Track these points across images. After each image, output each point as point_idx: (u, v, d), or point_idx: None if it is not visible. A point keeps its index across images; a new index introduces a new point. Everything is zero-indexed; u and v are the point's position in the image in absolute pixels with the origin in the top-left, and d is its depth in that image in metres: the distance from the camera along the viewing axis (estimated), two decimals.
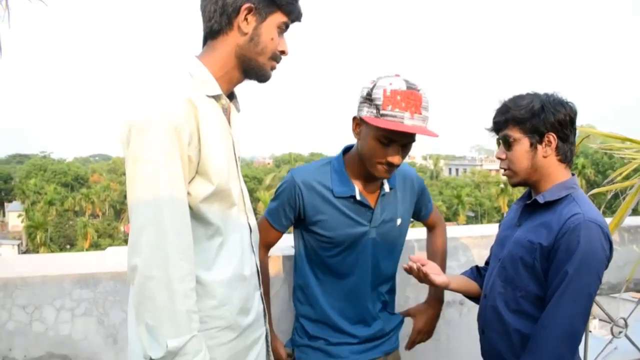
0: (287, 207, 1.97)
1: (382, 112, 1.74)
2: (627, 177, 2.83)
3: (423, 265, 1.88)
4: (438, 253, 2.28)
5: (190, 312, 1.37)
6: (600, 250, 1.66)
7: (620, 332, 3.22)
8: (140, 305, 1.35)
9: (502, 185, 54.46)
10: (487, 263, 2.13)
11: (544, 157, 1.77)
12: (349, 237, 1.95)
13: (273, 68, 1.60)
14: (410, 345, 2.21)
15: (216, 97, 1.53)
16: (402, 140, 1.81)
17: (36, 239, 46.31)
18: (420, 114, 1.77)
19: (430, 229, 2.35)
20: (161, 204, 1.34)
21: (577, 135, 1.83)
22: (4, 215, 66.08)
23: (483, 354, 1.98)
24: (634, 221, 3.25)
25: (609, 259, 1.69)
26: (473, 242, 2.75)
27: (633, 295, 3.44)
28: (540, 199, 1.78)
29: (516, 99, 1.79)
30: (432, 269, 1.91)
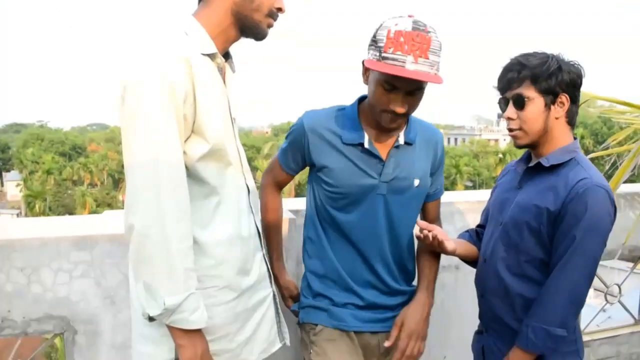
0: (295, 151, 1.90)
1: (383, 54, 1.61)
2: (623, 143, 2.83)
3: (430, 232, 1.81)
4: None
5: (188, 270, 1.37)
6: (607, 215, 1.66)
7: (614, 299, 3.26)
8: (137, 264, 1.36)
9: (500, 155, 54.42)
10: (479, 226, 2.12)
11: (556, 118, 1.73)
12: (355, 188, 1.81)
13: (270, 26, 1.57)
14: (400, 355, 1.85)
15: (211, 56, 1.51)
16: (406, 87, 1.65)
17: (35, 208, 46.41)
18: (427, 58, 1.61)
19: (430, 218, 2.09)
20: (157, 163, 1.33)
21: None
22: (2, 185, 66.10)
23: (481, 317, 1.98)
24: (630, 188, 3.26)
25: (613, 224, 1.69)
26: (470, 207, 2.75)
27: (627, 265, 3.46)
28: (545, 162, 1.75)
29: (529, 57, 1.73)
30: (442, 235, 1.85)
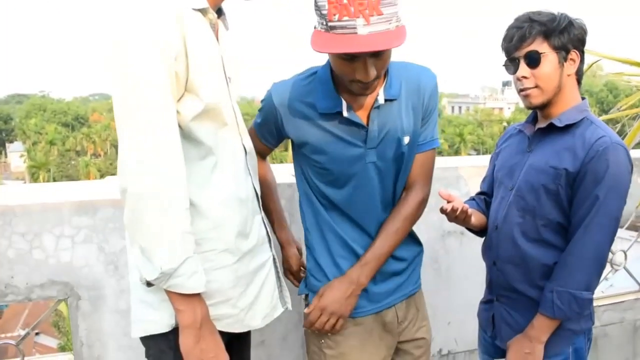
0: (269, 125, 1.72)
1: (329, 24, 1.36)
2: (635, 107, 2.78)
3: (450, 202, 1.68)
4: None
5: (185, 233, 1.32)
6: (627, 173, 1.64)
7: (620, 264, 3.25)
8: (132, 228, 1.31)
9: (504, 124, 54.18)
10: (480, 194, 2.06)
11: (568, 75, 1.70)
12: (342, 161, 1.63)
13: None
14: (309, 325, 1.72)
15: (203, 11, 1.42)
16: (364, 55, 1.41)
17: (39, 179, 46.61)
18: (381, 14, 1.34)
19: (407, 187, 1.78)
20: (149, 122, 1.27)
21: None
22: (5, 156, 66.23)
23: (490, 286, 1.93)
24: (637, 154, 3.21)
25: (630, 182, 1.67)
26: (476, 172, 2.72)
27: (631, 234, 3.44)
28: (558, 122, 1.70)
29: (537, 14, 1.69)
30: (467, 207, 1.72)
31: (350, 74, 1.46)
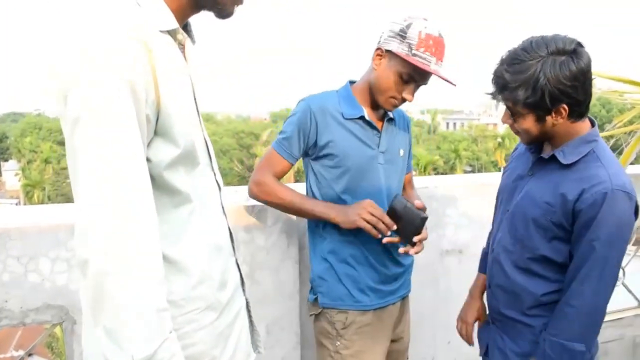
0: (300, 133, 1.95)
1: (414, 51, 1.82)
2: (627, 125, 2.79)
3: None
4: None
5: (161, 311, 1.09)
6: (628, 222, 1.54)
7: (618, 282, 3.24)
8: (96, 305, 1.06)
9: (499, 140, 54.35)
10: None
11: (554, 125, 1.58)
12: (359, 159, 1.95)
13: (238, 3, 1.30)
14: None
15: (172, 32, 1.22)
16: (421, 82, 1.90)
17: (34, 198, 46.37)
18: (442, 62, 1.86)
19: (407, 187, 2.30)
20: (116, 179, 1.04)
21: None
22: (0, 175, 65.99)
23: (488, 307, 1.92)
24: (634, 170, 3.22)
25: (633, 227, 1.58)
26: (472, 191, 2.72)
27: (630, 248, 3.44)
28: (562, 158, 1.61)
29: (514, 66, 1.54)
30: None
31: (398, 92, 1.89)
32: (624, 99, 2.80)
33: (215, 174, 1.39)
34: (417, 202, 1.88)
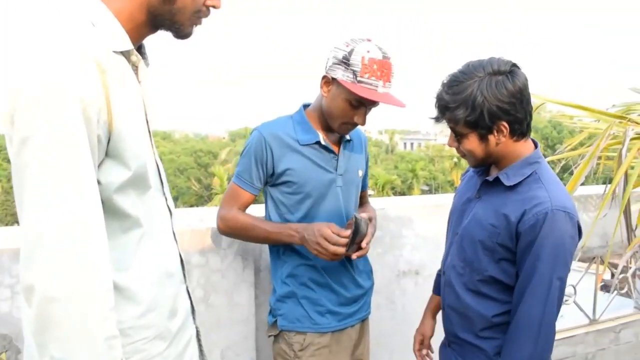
0: (257, 164, 1.95)
1: (359, 78, 1.81)
2: (576, 148, 2.88)
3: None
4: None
5: (110, 339, 1.06)
6: (569, 242, 1.56)
7: (567, 300, 3.31)
8: (42, 334, 1.01)
9: (455, 160, 55.45)
10: None
11: (497, 144, 1.62)
12: (317, 185, 1.96)
13: (196, 24, 1.29)
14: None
15: (125, 53, 1.20)
16: (371, 105, 1.90)
17: None
18: (390, 82, 1.85)
19: (362, 203, 2.31)
20: (65, 201, 1.00)
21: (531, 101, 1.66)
22: None
23: (444, 329, 1.93)
24: (584, 190, 3.32)
25: (576, 245, 1.61)
26: (428, 211, 2.74)
27: (579, 265, 3.52)
28: (505, 179, 1.64)
29: (453, 88, 1.59)
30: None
31: (350, 117, 1.90)
32: (574, 122, 2.89)
33: (166, 199, 1.36)
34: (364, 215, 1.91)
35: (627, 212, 2.23)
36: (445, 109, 1.62)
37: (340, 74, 1.84)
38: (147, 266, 1.23)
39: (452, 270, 1.80)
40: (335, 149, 2.01)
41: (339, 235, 1.85)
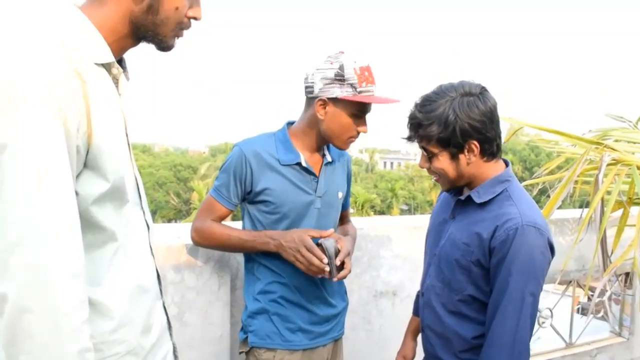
0: (236, 180, 1.94)
1: (359, 89, 1.85)
2: (554, 171, 2.91)
3: None
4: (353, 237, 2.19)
5: (83, 352, 1.05)
6: (540, 257, 1.57)
7: (544, 322, 3.32)
8: (13, 346, 0.99)
9: (434, 179, 55.75)
10: None
11: (468, 163, 1.65)
12: (295, 206, 1.95)
13: (178, 37, 1.30)
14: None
15: (106, 66, 1.20)
16: (369, 112, 1.94)
17: None
18: (376, 84, 1.91)
19: (343, 223, 2.30)
20: (42, 213, 1.00)
21: (500, 123, 1.70)
22: None
23: (424, 350, 1.91)
24: (560, 214, 3.35)
25: (549, 261, 1.62)
26: (407, 232, 2.74)
27: (556, 287, 3.55)
28: (476, 197, 1.67)
29: (426, 107, 1.63)
30: None
31: (354, 130, 1.92)
32: (551, 146, 2.92)
33: (144, 213, 1.35)
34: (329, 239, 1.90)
35: (603, 238, 2.25)
36: (418, 126, 1.65)
37: (338, 92, 1.85)
38: (120, 281, 1.22)
39: (431, 291, 1.80)
40: (315, 170, 2.00)
41: (313, 252, 1.84)
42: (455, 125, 1.59)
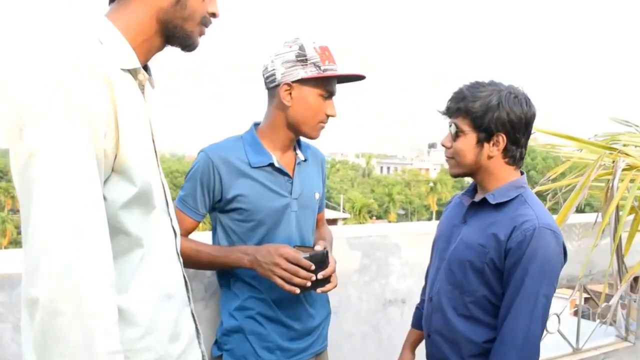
0: (203, 188, 1.82)
1: (323, 67, 1.79)
2: (558, 178, 2.89)
3: None
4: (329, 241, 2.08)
5: (114, 354, 1.06)
6: (555, 259, 1.60)
7: (554, 328, 3.31)
8: (45, 349, 1.01)
9: (431, 184, 55.96)
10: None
11: (489, 157, 1.68)
12: (271, 211, 1.83)
13: (202, 34, 1.33)
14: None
15: (133, 71, 1.23)
16: (334, 93, 1.87)
17: None
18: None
19: (318, 226, 2.16)
20: (71, 217, 1.01)
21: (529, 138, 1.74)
22: None
23: (428, 358, 1.90)
24: (567, 219, 3.33)
25: (563, 264, 1.64)
26: (415, 239, 2.72)
27: (562, 292, 3.53)
28: (491, 199, 1.69)
29: (475, 88, 1.68)
30: None
31: (323, 113, 1.83)
32: (557, 151, 2.91)
33: (171, 220, 1.35)
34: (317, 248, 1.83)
35: (619, 245, 2.24)
36: (461, 99, 1.68)
37: (302, 73, 1.78)
38: (146, 288, 1.22)
39: (441, 294, 1.79)
40: (289, 170, 1.90)
41: (298, 262, 1.72)
42: (495, 112, 1.63)
